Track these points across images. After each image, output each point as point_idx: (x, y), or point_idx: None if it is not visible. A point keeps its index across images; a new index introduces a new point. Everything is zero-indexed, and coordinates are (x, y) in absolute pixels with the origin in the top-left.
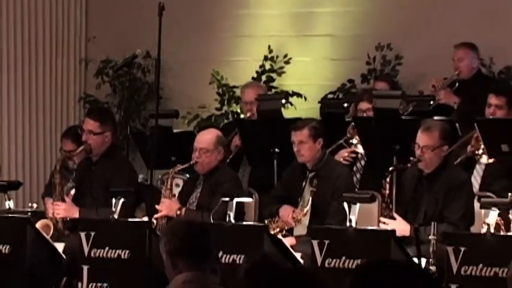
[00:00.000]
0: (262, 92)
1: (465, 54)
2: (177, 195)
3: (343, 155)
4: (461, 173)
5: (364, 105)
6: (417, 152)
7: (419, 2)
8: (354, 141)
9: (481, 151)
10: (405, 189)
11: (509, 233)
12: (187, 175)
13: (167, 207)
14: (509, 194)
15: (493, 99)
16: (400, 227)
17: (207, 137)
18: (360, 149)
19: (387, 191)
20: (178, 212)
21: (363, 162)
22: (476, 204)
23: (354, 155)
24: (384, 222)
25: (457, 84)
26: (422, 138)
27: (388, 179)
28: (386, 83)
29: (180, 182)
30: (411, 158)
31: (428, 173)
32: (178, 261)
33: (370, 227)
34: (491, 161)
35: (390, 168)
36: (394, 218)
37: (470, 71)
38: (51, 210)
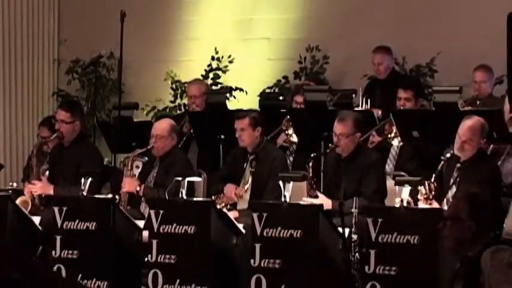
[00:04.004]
0: (204, 88)
1: (382, 58)
2: (137, 175)
3: (280, 142)
4: (373, 153)
5: (299, 98)
6: (334, 139)
7: (343, 11)
8: (289, 131)
9: (393, 135)
10: (327, 171)
11: (418, 206)
12: (146, 158)
13: (128, 185)
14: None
15: (401, 93)
16: (322, 202)
17: (162, 126)
18: (294, 138)
19: (311, 174)
20: (137, 189)
21: (294, 147)
22: (392, 182)
23: (289, 142)
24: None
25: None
26: (338, 128)
27: (310, 164)
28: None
29: (140, 164)
30: (329, 145)
31: (345, 156)
32: None
33: (301, 202)
34: (401, 143)
35: (312, 155)
36: (317, 197)
37: (387, 72)
38: (28, 189)
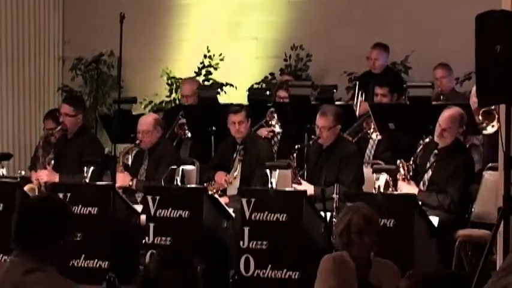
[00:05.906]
0: (195, 87)
1: (379, 54)
2: (130, 165)
3: (263, 133)
4: (351, 145)
5: (281, 93)
6: (317, 131)
7: (325, 14)
8: (273, 122)
9: (371, 130)
10: (310, 160)
11: (394, 192)
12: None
13: (121, 180)
14: (398, 161)
15: (378, 90)
16: (305, 188)
17: (147, 120)
18: (277, 128)
19: (295, 164)
20: (130, 183)
21: (279, 137)
22: (370, 170)
23: (272, 134)
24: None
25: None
26: (320, 121)
27: (294, 155)
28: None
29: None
30: (312, 136)
31: (326, 147)
32: None
33: (287, 188)
34: (379, 137)
35: (296, 147)
36: (300, 183)
37: (382, 68)
38: (36, 177)
